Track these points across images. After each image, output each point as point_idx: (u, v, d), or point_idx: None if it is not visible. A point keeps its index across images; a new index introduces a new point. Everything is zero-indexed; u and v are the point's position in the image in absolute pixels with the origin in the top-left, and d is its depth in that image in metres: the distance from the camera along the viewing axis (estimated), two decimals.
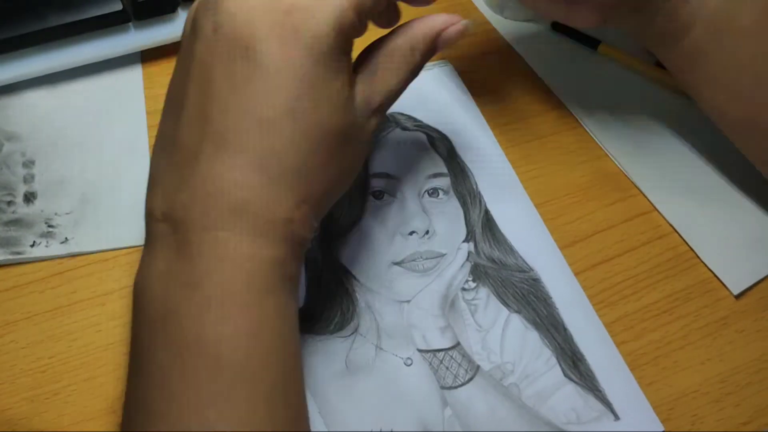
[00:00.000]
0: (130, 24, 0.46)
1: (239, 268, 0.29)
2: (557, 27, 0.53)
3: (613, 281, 0.42)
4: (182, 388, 0.28)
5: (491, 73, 0.51)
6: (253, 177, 0.29)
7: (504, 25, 0.53)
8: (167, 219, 0.30)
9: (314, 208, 0.31)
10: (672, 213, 0.45)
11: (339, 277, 0.40)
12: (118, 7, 0.44)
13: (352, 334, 0.39)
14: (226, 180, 0.29)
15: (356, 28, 0.30)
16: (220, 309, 0.29)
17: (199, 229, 0.29)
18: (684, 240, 0.44)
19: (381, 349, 0.38)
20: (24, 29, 0.43)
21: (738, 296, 0.42)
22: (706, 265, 0.43)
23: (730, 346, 0.41)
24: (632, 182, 0.46)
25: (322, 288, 0.40)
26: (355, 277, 0.40)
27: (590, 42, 0.52)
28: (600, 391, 0.38)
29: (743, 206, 0.45)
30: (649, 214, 0.45)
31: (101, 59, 0.46)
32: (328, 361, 0.38)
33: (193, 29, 0.31)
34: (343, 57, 0.30)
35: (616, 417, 0.38)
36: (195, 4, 0.31)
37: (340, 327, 0.39)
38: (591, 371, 0.39)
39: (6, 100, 0.45)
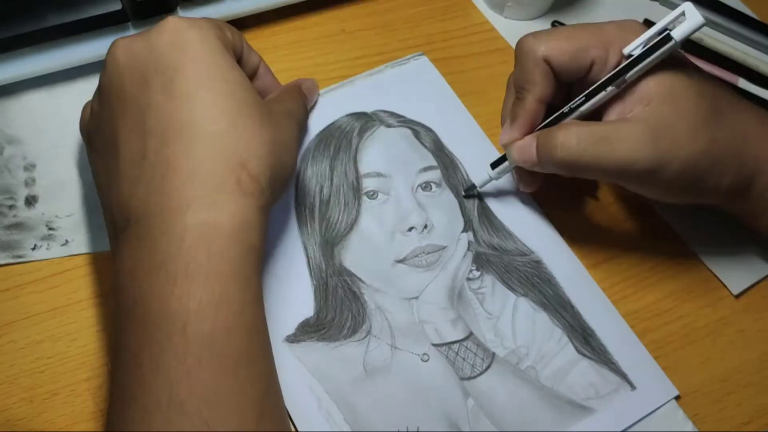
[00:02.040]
0: (129, 24, 0.46)
1: (200, 238, 0.31)
2: (557, 26, 0.53)
3: (613, 281, 0.42)
4: (153, 368, 0.29)
5: (491, 73, 0.50)
6: (196, 148, 0.32)
7: (504, 25, 0.53)
8: (128, 221, 0.32)
9: (260, 169, 0.33)
10: (671, 213, 0.45)
11: (345, 281, 0.40)
12: (117, 6, 0.44)
13: (366, 336, 0.39)
14: (173, 159, 0.32)
15: (229, 42, 0.37)
16: (185, 283, 0.30)
17: (159, 211, 0.31)
18: (684, 240, 0.44)
19: (396, 348, 0.38)
20: (23, 29, 0.43)
21: (738, 296, 0.43)
22: (706, 265, 0.44)
23: (731, 346, 0.41)
24: None
25: (329, 294, 0.40)
26: (360, 280, 0.40)
27: None
28: (614, 364, 0.39)
29: None
30: (650, 213, 0.45)
31: (100, 59, 0.45)
32: (346, 366, 0.38)
33: (99, 90, 0.36)
34: (231, 54, 0.36)
35: (633, 387, 0.38)
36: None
37: (353, 331, 0.39)
38: (603, 345, 0.40)
39: (6, 104, 0.45)
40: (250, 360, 0.31)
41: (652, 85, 0.38)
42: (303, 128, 0.44)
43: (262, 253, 0.34)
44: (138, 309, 0.31)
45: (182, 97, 0.33)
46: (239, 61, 0.39)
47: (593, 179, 0.45)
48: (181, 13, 0.47)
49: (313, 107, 0.46)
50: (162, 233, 0.31)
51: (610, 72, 0.38)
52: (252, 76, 0.41)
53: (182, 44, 0.34)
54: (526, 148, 0.40)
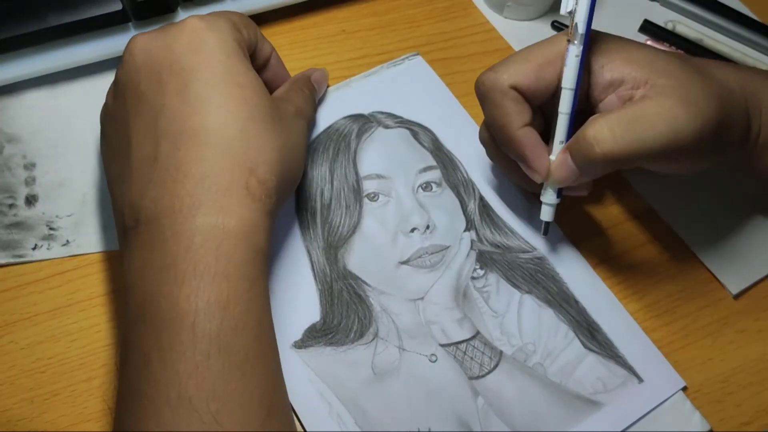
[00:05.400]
0: (130, 24, 0.46)
1: (208, 241, 0.32)
2: (557, 27, 0.53)
3: (613, 281, 0.42)
4: (162, 365, 0.30)
5: None
6: (207, 152, 0.33)
7: (504, 25, 0.53)
8: (138, 222, 0.33)
9: (268, 175, 0.34)
10: (671, 213, 0.45)
11: (350, 284, 0.40)
12: (118, 7, 0.44)
13: (373, 339, 0.39)
14: (184, 162, 0.33)
15: (245, 41, 0.38)
16: (193, 282, 0.31)
17: (170, 213, 0.32)
18: (683, 240, 0.44)
19: (404, 349, 0.39)
20: (23, 29, 0.43)
21: (736, 296, 0.43)
22: (705, 266, 0.43)
23: (731, 346, 0.41)
24: (630, 183, 0.46)
25: (335, 298, 0.40)
26: (365, 282, 0.40)
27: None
28: (620, 357, 0.39)
29: (742, 207, 0.45)
30: (649, 214, 0.45)
31: (101, 59, 0.46)
32: (355, 370, 0.38)
33: (115, 84, 0.37)
34: (246, 56, 0.37)
35: (640, 380, 0.39)
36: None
37: (360, 334, 0.39)
38: (608, 339, 0.40)
39: (6, 102, 0.45)
40: (257, 358, 0.31)
41: (634, 69, 0.36)
42: (311, 124, 0.45)
43: (268, 255, 0.34)
44: (147, 307, 0.31)
45: (196, 100, 0.34)
46: (253, 53, 0.40)
47: (628, 168, 0.42)
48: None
49: (322, 99, 0.47)
50: (172, 234, 0.32)
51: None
52: (263, 66, 0.41)
53: (199, 46, 0.35)
54: (562, 166, 0.37)
